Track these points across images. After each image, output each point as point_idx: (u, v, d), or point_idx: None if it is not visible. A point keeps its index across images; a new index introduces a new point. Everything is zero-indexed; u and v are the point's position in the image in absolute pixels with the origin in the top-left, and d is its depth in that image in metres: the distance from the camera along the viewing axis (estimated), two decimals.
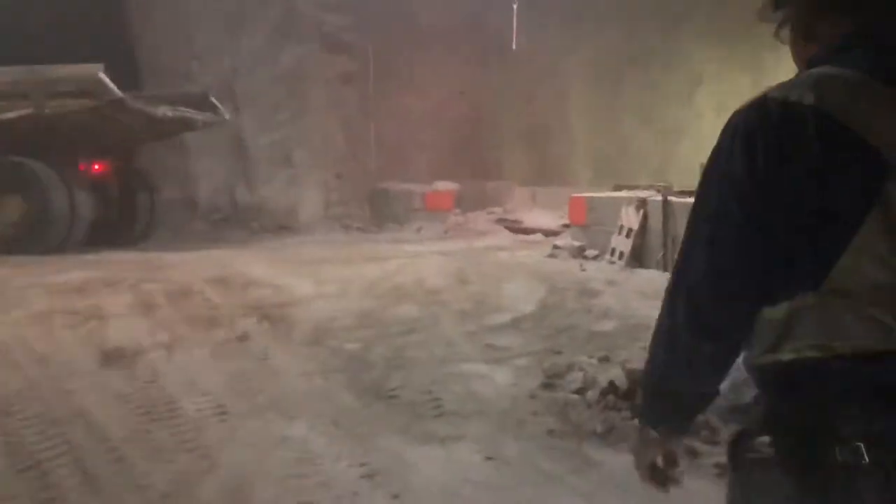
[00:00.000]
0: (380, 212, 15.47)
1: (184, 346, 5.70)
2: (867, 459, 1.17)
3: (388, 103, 16.12)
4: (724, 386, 1.42)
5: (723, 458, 1.73)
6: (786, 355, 1.25)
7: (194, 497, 3.34)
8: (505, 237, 13.07)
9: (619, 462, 3.51)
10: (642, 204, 9.32)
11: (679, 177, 10.83)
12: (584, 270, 9.09)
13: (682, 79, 14.55)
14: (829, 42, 1.33)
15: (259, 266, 9.40)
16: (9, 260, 9.54)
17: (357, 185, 15.66)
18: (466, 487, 3.44)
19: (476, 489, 3.43)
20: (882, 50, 1.28)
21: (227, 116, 12.50)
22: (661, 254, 8.80)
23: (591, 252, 9.99)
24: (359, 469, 3.58)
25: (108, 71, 10.67)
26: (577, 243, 10.30)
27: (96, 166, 11.73)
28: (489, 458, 3.73)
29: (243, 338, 5.98)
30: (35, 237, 10.68)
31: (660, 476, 1.44)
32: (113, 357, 5.35)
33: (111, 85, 10.47)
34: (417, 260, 10.00)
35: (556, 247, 10.42)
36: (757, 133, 1.24)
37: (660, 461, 1.42)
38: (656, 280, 7.53)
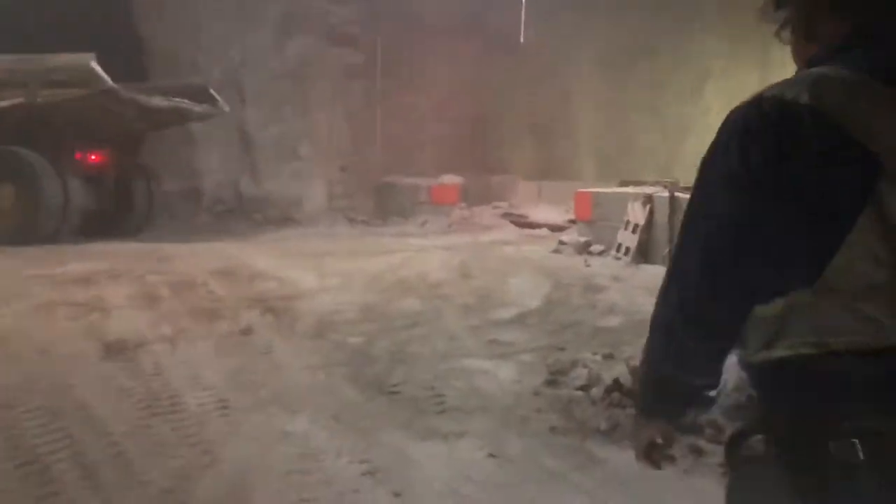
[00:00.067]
0: (384, 205, 15.43)
1: (187, 338, 5.69)
2: (862, 456, 1.17)
3: (394, 97, 16.08)
4: (729, 385, 1.41)
5: None
6: (780, 352, 1.26)
7: (195, 493, 3.31)
8: (510, 232, 13.00)
9: (623, 459, 3.48)
10: (648, 199, 9.28)
11: (685, 173, 10.75)
12: (589, 266, 9.07)
13: (690, 74, 14.51)
14: (829, 42, 1.34)
15: (263, 258, 9.39)
16: (7, 251, 9.50)
17: (362, 179, 15.64)
18: (469, 485, 3.41)
19: (478, 487, 3.40)
20: (882, 50, 1.28)
21: (227, 108, 12.35)
22: (667, 250, 8.76)
23: (596, 247, 9.97)
24: (360, 466, 3.56)
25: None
26: (582, 238, 10.28)
27: (92, 156, 11.55)
28: (492, 455, 3.71)
29: (247, 331, 5.97)
30: (27, 226, 10.54)
31: (655, 454, 1.47)
32: (115, 349, 5.33)
33: (103, 74, 10.34)
34: (422, 253, 9.98)
35: (561, 242, 10.39)
36: (752, 131, 1.25)
37: (658, 439, 1.46)
38: (662, 276, 7.48)
